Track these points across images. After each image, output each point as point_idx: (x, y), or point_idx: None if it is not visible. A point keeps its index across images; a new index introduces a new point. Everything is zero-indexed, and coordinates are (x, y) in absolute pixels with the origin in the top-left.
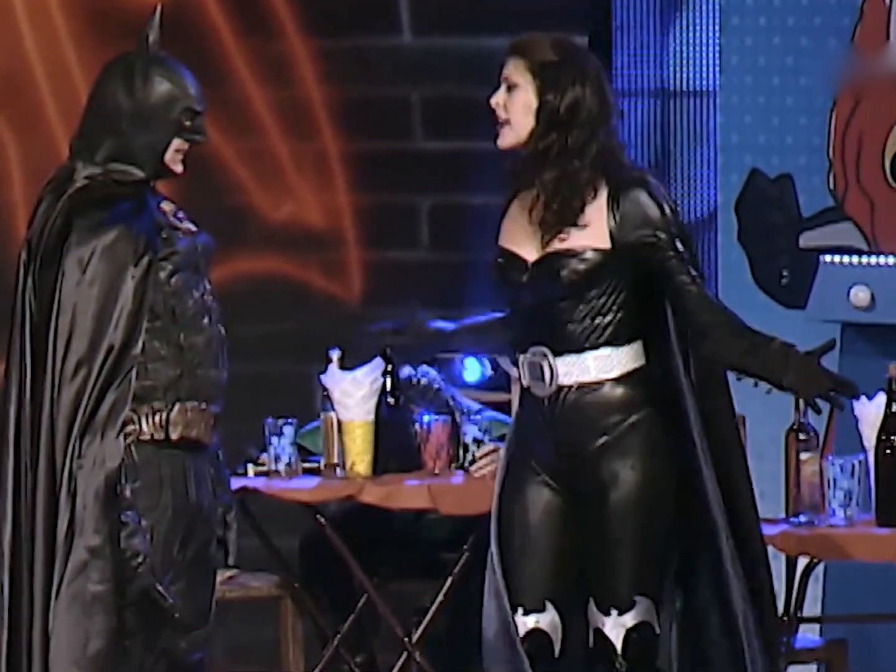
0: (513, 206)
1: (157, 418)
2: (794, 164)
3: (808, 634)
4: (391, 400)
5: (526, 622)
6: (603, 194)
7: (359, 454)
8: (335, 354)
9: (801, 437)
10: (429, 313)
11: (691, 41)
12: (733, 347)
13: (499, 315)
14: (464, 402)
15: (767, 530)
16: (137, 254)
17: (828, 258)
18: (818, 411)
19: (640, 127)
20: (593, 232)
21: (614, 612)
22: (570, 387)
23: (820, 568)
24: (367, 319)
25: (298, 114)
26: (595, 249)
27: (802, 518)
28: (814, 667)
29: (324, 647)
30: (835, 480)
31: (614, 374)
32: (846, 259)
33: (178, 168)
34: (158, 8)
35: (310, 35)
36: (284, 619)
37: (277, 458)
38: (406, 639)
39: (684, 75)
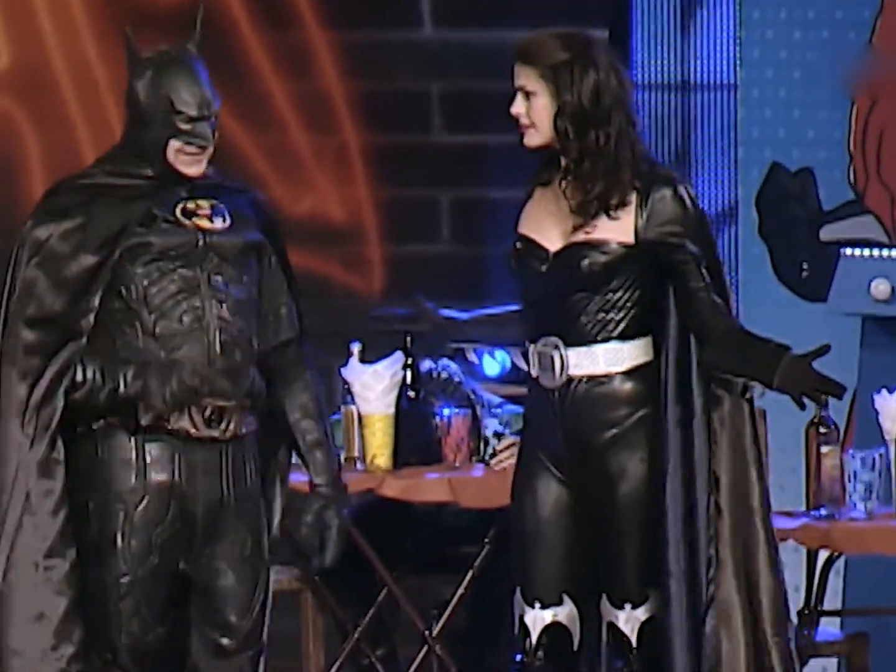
0: (536, 195)
1: (129, 402)
2: (814, 158)
3: (829, 628)
4: (411, 393)
5: (544, 616)
6: (633, 189)
7: (379, 447)
8: (356, 348)
9: (822, 430)
10: (449, 307)
11: (711, 34)
12: (728, 351)
13: (515, 307)
14: (484, 396)
15: (788, 524)
16: (100, 241)
17: (848, 251)
18: (802, 407)
19: (661, 121)
20: (619, 226)
21: (627, 606)
22: (579, 378)
23: (841, 561)
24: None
25: (318, 107)
26: (619, 243)
27: (823, 511)
28: (834, 660)
29: (344, 640)
30: (855, 474)
31: (623, 367)
32: (867, 252)
33: (186, 170)
34: (201, 9)
35: (330, 28)
36: (305, 612)
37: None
38: (426, 632)
39: (704, 69)
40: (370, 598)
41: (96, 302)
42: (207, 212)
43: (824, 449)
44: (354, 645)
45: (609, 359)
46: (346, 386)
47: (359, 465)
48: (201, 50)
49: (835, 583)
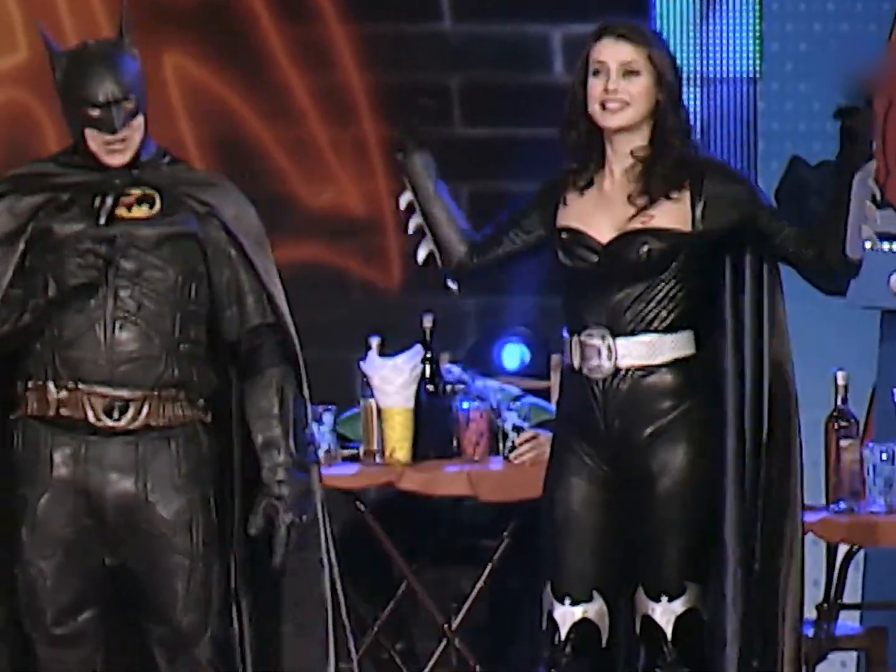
0: (570, 188)
1: (36, 394)
2: (834, 151)
3: (848, 622)
4: (431, 387)
5: (574, 613)
6: (686, 177)
7: (398, 441)
8: (375, 341)
9: (842, 423)
10: (472, 299)
11: (731, 27)
12: (827, 228)
13: (463, 227)
14: (492, 393)
15: (807, 517)
16: (7, 230)
17: (868, 245)
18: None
19: None
20: (675, 214)
21: (664, 599)
22: (626, 369)
23: (860, 555)
24: (407, 306)
25: (338, 100)
26: (676, 231)
27: (842, 505)
28: (854, 654)
29: (363, 633)
30: (875, 467)
31: (667, 359)
32: (886, 246)
33: (107, 159)
34: (124, 2)
35: (349, 21)
36: None
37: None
38: (445, 625)
39: (724, 62)
40: (389, 592)
41: (4, 284)
42: (131, 200)
43: (844, 442)
44: (373, 638)
45: (655, 350)
46: (365, 379)
47: (378, 459)
48: (132, 39)
49: (854, 577)
